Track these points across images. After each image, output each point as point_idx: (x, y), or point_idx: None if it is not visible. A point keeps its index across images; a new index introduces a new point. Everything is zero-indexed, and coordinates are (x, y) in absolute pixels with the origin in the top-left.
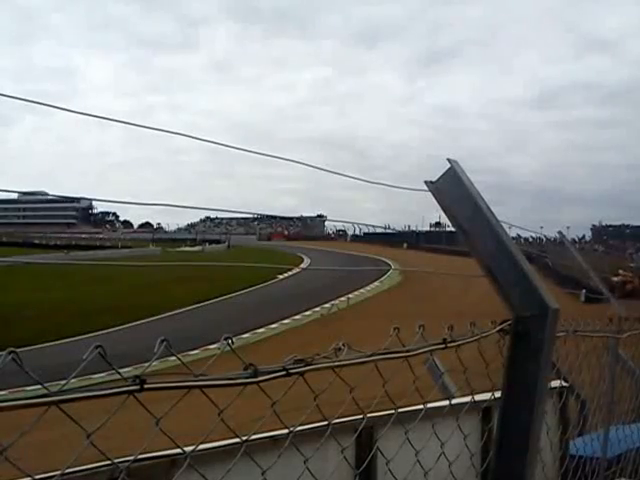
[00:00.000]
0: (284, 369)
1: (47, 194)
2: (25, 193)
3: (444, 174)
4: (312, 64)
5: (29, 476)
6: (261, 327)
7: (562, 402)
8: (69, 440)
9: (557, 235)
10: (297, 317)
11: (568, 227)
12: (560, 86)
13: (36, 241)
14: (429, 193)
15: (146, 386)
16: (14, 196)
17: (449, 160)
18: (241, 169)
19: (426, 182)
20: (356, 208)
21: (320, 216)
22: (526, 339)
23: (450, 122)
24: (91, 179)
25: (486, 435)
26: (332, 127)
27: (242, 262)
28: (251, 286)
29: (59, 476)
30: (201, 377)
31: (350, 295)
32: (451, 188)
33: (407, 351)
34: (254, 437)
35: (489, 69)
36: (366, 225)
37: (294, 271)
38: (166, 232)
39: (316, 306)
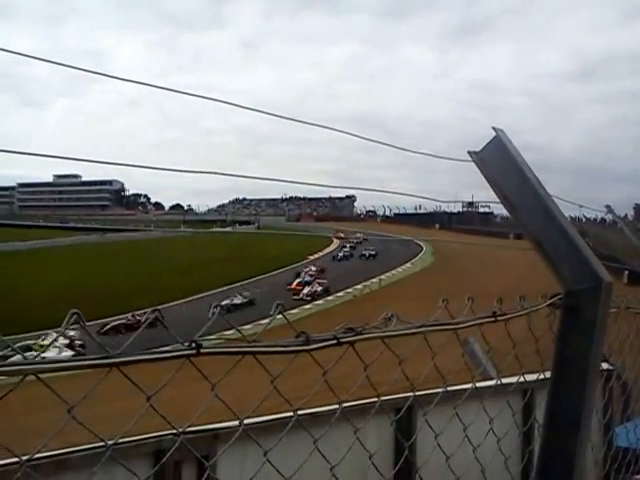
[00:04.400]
0: (335, 338)
1: (80, 177)
2: (59, 176)
3: (489, 143)
4: (342, 40)
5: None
6: (293, 309)
7: (610, 385)
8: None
9: (597, 215)
10: (329, 298)
11: (609, 206)
12: (604, 57)
13: (72, 223)
14: (465, 173)
15: (202, 350)
16: (49, 179)
17: (494, 128)
18: (272, 149)
19: (469, 152)
20: (387, 188)
21: (349, 197)
22: (577, 313)
23: (485, 97)
24: (124, 161)
25: (530, 417)
26: (362, 105)
27: (274, 241)
28: (284, 266)
29: (111, 446)
30: (254, 343)
31: (382, 276)
32: (496, 158)
33: (456, 323)
34: (302, 412)
35: (527, 40)
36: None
37: (325, 251)
38: (196, 213)
39: (348, 287)
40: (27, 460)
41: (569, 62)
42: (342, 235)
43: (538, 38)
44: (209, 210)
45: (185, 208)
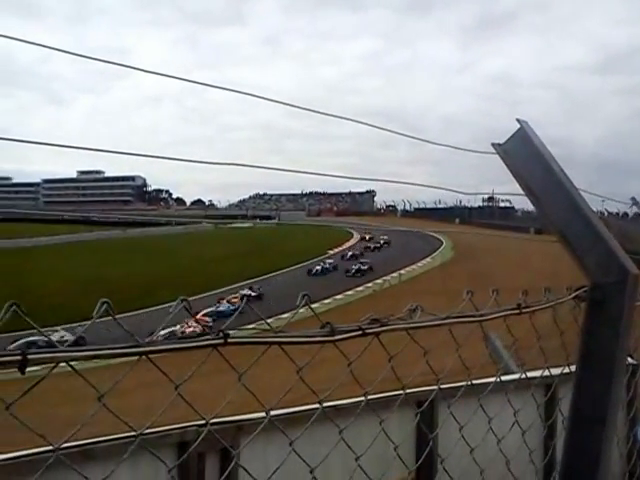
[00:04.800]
0: (360, 329)
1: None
2: (83, 172)
3: (513, 135)
4: (362, 36)
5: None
6: (313, 303)
7: (635, 379)
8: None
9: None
10: (349, 292)
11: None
12: (627, 50)
13: (94, 218)
14: (485, 168)
15: (229, 340)
16: (73, 175)
17: (518, 120)
18: (292, 145)
19: (493, 144)
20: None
21: (369, 192)
22: (603, 307)
23: (507, 91)
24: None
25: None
26: (382, 100)
27: (293, 235)
28: (304, 261)
29: (140, 435)
30: (280, 334)
31: (402, 271)
32: (521, 150)
33: (481, 315)
34: (328, 404)
35: (549, 33)
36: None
37: (344, 246)
38: (217, 209)
39: (368, 282)
40: (60, 448)
41: (592, 55)
42: (368, 236)
43: (560, 31)
44: (230, 205)
45: (206, 203)
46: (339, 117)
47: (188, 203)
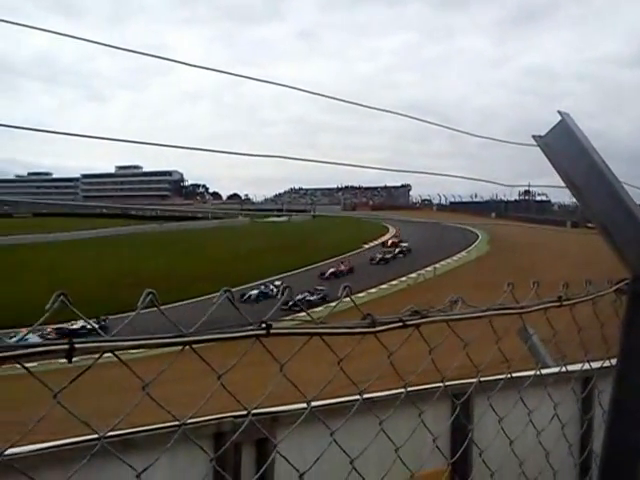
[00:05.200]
0: (400, 320)
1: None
2: (121, 167)
3: (554, 127)
4: (397, 30)
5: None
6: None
7: None
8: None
9: None
10: (384, 286)
11: None
12: None
13: (132, 212)
14: (520, 161)
15: (272, 331)
16: (111, 170)
17: (560, 112)
18: (326, 139)
19: (534, 136)
20: (442, 176)
21: (405, 186)
22: None
23: (543, 84)
24: (185, 152)
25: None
26: (418, 93)
27: (329, 230)
28: (338, 255)
29: (183, 425)
30: (322, 325)
31: (437, 265)
32: (562, 142)
33: (521, 307)
34: (368, 395)
35: (585, 26)
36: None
37: (379, 240)
38: (253, 203)
39: (402, 275)
40: (105, 436)
41: (629, 47)
42: (391, 241)
43: (597, 23)
44: (266, 199)
45: (242, 198)
46: (378, 109)
47: (224, 197)
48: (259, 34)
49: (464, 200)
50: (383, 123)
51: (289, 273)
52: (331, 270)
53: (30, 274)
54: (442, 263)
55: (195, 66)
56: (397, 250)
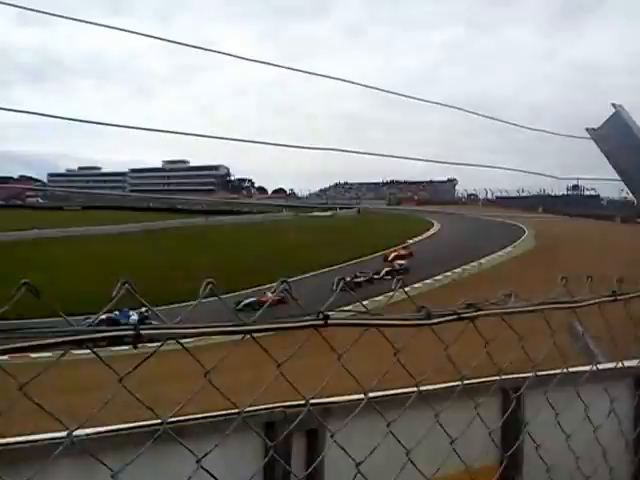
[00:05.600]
0: (455, 313)
1: (188, 162)
2: (169, 162)
3: (608, 120)
4: (444, 24)
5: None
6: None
7: None
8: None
9: None
10: (428, 281)
11: None
12: None
13: (179, 206)
14: (570, 156)
15: (329, 321)
16: (159, 164)
17: (614, 105)
18: (372, 135)
19: (588, 129)
20: (490, 171)
21: (451, 180)
22: None
23: (591, 78)
24: (231, 147)
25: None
26: (465, 88)
27: (373, 225)
28: (381, 250)
29: (242, 413)
30: (378, 316)
31: (482, 260)
32: (616, 134)
33: (575, 302)
34: (425, 388)
35: (636, 18)
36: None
37: (423, 235)
38: (298, 197)
39: (446, 271)
40: (167, 421)
41: None
42: (396, 254)
43: None
44: (311, 194)
45: (288, 192)
46: (430, 102)
47: (270, 192)
48: (305, 30)
49: (511, 195)
50: (429, 118)
51: (332, 267)
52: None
53: (83, 266)
54: (487, 258)
55: (244, 58)
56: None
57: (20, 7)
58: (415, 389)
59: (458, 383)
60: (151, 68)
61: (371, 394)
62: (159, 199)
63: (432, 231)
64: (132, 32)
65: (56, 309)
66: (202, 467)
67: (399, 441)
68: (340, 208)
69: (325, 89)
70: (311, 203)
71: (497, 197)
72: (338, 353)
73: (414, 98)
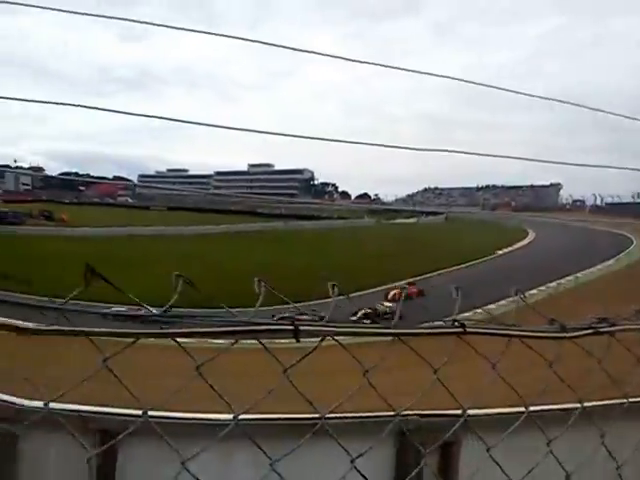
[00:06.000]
0: (591, 327)
1: (273, 166)
2: (254, 165)
3: None
4: (542, 14)
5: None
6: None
7: None
8: None
9: None
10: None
11: None
12: None
13: (259, 210)
14: None
15: (468, 329)
16: (244, 168)
17: None
18: (459, 136)
19: None
20: (597, 174)
21: (554, 184)
22: None
23: None
24: (314, 149)
25: None
26: (562, 82)
27: (461, 233)
28: (467, 261)
29: (397, 416)
30: (514, 327)
31: (578, 274)
32: None
33: None
34: (538, 408)
35: None
36: None
37: (515, 246)
38: (383, 203)
39: (541, 285)
40: (325, 417)
41: None
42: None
43: None
44: (397, 199)
45: (372, 197)
46: (531, 95)
47: (353, 197)
48: (395, 29)
49: (624, 201)
50: (519, 119)
51: (408, 279)
52: None
53: (178, 264)
54: (584, 272)
55: (330, 56)
56: None
57: (123, 19)
58: (578, 405)
59: (624, 400)
60: (237, 75)
61: (532, 407)
62: (240, 202)
63: (527, 240)
64: (223, 36)
65: (214, 301)
66: (356, 468)
67: (559, 462)
68: (426, 215)
69: (408, 88)
70: (395, 208)
71: (607, 203)
72: (492, 362)
73: (510, 91)
